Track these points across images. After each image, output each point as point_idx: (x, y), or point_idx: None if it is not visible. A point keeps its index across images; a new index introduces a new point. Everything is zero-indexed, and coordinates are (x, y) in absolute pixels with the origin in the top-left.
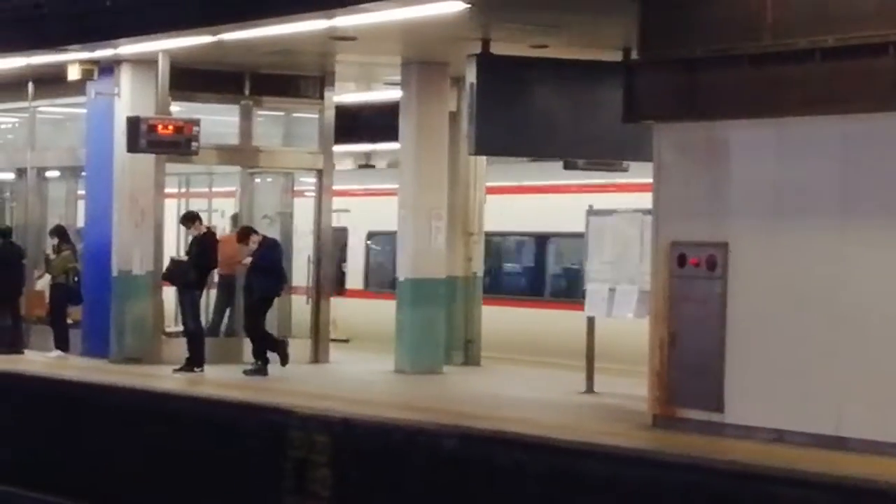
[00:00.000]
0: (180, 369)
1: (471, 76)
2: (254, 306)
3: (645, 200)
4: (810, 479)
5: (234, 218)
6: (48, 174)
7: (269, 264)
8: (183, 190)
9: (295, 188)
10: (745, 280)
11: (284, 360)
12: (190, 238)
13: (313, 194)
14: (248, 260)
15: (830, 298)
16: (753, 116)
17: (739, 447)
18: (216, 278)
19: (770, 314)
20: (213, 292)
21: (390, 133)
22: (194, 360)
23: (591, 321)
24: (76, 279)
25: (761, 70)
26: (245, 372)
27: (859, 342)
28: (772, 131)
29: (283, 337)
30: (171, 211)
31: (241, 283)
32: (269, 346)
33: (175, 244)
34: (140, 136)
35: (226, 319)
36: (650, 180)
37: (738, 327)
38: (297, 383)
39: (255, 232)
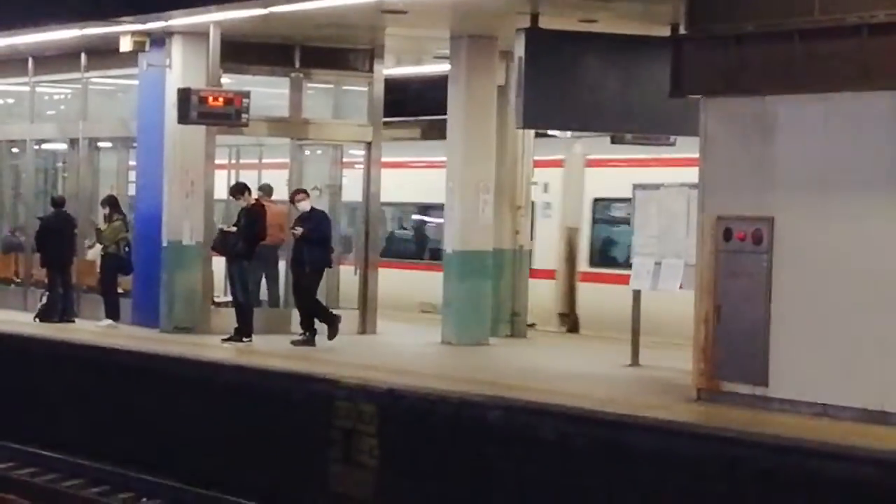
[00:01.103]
0: (229, 339)
1: (519, 50)
2: (307, 278)
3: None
4: (855, 454)
5: (265, 188)
6: (100, 145)
7: (321, 236)
8: (233, 161)
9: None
10: (790, 254)
11: (333, 334)
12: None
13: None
14: (299, 231)
15: (876, 273)
16: (801, 91)
17: (784, 421)
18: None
19: (815, 288)
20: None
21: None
22: (243, 331)
23: (636, 294)
24: (127, 249)
25: (810, 45)
26: (293, 342)
27: None
28: (819, 106)
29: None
30: (221, 182)
31: (288, 255)
32: (325, 318)
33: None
34: (191, 107)
35: (263, 289)
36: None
37: (784, 301)
38: (344, 354)
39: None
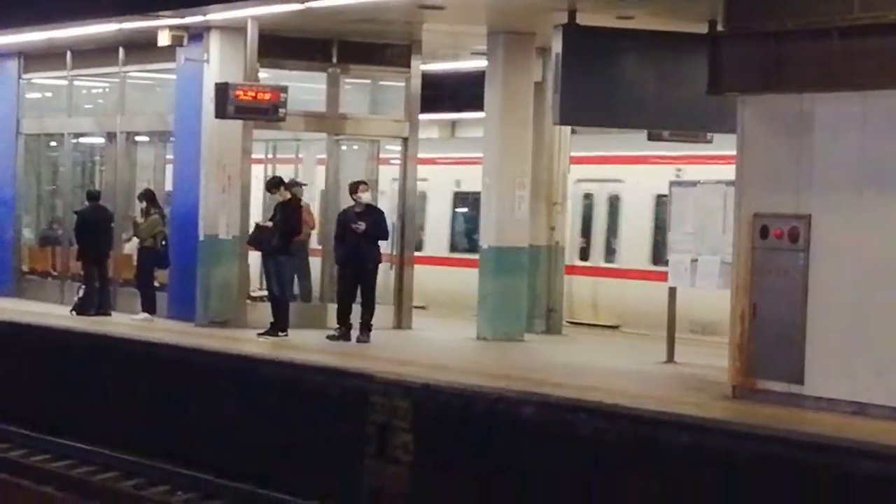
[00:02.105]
0: (264, 333)
1: (557, 46)
2: (374, 275)
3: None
4: (891, 453)
5: (292, 184)
6: (137, 139)
7: (383, 234)
8: (269, 156)
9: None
10: (827, 253)
11: (336, 337)
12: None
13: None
14: (363, 226)
15: None
16: (840, 89)
17: (819, 419)
18: None
19: (852, 287)
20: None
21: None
22: (278, 325)
23: (672, 291)
24: (163, 243)
25: (849, 43)
26: (328, 337)
27: None
28: (858, 104)
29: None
30: (258, 176)
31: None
32: (342, 319)
33: (260, 210)
34: (228, 102)
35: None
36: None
37: (820, 300)
38: (379, 349)
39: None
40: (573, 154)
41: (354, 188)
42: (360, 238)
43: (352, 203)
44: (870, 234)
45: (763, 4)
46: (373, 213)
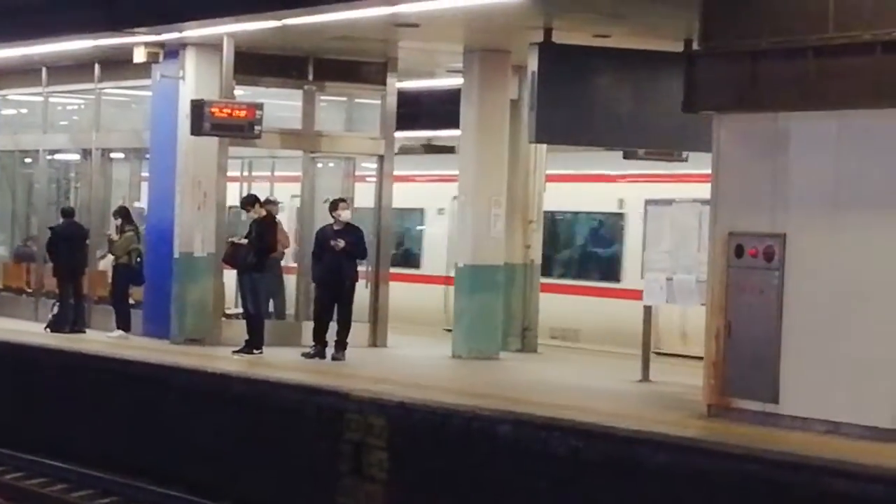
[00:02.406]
0: (239, 351)
1: (532, 64)
2: (352, 293)
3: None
4: (865, 472)
5: (268, 202)
6: (112, 156)
7: (362, 252)
8: (245, 173)
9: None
10: (802, 272)
11: (311, 355)
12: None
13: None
14: (342, 244)
15: (888, 291)
16: (815, 108)
17: (794, 438)
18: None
19: (827, 306)
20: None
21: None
22: (253, 343)
23: (647, 310)
24: (138, 260)
25: (824, 62)
26: (304, 355)
27: None
28: (833, 123)
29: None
30: (233, 194)
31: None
32: (317, 336)
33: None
34: (204, 119)
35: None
36: None
37: (795, 318)
38: (354, 367)
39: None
40: None
41: (335, 206)
42: (339, 256)
43: (329, 221)
44: (845, 254)
45: (739, 23)
46: (352, 232)
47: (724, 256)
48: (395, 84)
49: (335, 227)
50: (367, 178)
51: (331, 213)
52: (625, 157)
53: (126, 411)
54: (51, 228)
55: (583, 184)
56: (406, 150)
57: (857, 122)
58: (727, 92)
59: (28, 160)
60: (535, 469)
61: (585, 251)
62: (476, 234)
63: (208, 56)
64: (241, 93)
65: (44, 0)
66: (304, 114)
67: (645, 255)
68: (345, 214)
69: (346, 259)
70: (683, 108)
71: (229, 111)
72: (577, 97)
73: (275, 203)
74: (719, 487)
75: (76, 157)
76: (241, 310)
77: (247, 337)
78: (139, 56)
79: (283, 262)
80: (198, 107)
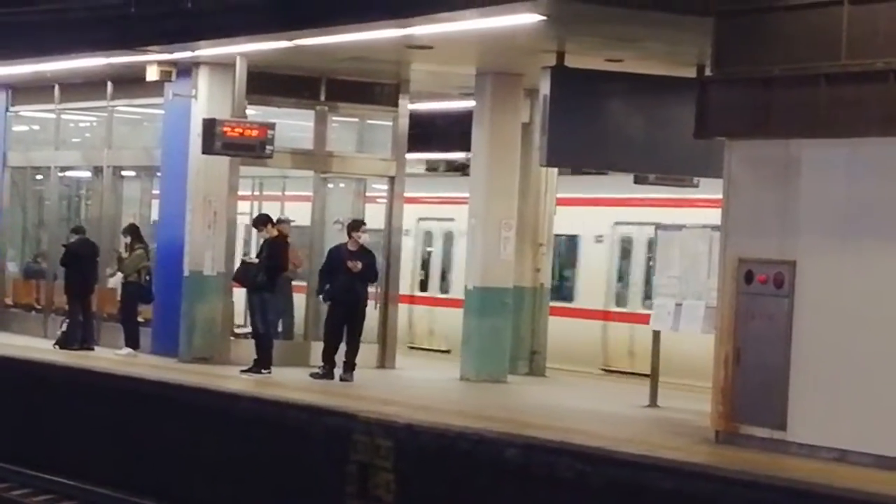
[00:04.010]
0: (248, 370)
1: (545, 88)
2: (363, 314)
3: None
4: (872, 500)
5: (279, 221)
6: (124, 173)
7: (375, 277)
8: (256, 193)
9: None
10: (812, 299)
11: (319, 375)
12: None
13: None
14: (359, 266)
15: None
16: (827, 136)
17: (801, 465)
18: None
19: (836, 334)
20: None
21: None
22: (262, 362)
23: (656, 335)
24: (148, 278)
25: (836, 89)
26: (312, 375)
27: None
28: (844, 151)
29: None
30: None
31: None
32: (326, 357)
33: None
34: (215, 138)
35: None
36: None
37: (804, 346)
38: (362, 388)
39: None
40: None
41: (356, 226)
42: (353, 277)
43: (344, 240)
44: (854, 281)
45: (751, 50)
46: (367, 255)
47: (734, 283)
48: (407, 106)
49: (350, 248)
50: (378, 199)
51: (349, 234)
52: (636, 182)
53: (133, 429)
54: (65, 245)
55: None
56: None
57: (867, 149)
58: (739, 118)
59: (39, 177)
60: (541, 493)
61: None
62: (486, 256)
63: (221, 75)
64: (253, 112)
65: (58, 17)
66: (315, 134)
67: (654, 280)
68: (364, 238)
69: (359, 281)
70: (695, 134)
71: (241, 130)
72: (589, 121)
73: (287, 222)
74: None
75: (87, 174)
76: (250, 329)
77: (255, 356)
78: (152, 74)
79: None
80: (210, 126)
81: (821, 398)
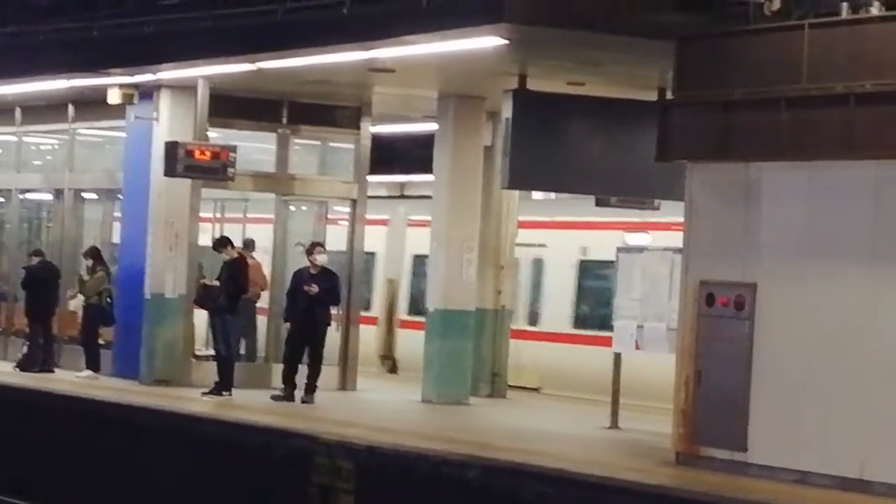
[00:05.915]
0: (209, 392)
1: (507, 111)
2: (323, 337)
3: None
4: None
5: (247, 243)
6: (85, 196)
7: (335, 300)
8: (218, 215)
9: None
10: (772, 321)
11: (280, 398)
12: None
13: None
14: (315, 289)
15: (857, 342)
16: (788, 159)
17: (762, 487)
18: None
19: (797, 356)
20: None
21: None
22: (223, 384)
23: (617, 357)
24: (109, 300)
25: (797, 113)
26: (273, 397)
27: (886, 386)
28: (804, 174)
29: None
30: (205, 235)
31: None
32: (287, 379)
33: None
34: (177, 160)
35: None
36: None
37: (765, 368)
38: (323, 410)
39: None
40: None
41: (311, 249)
42: (313, 299)
43: (306, 263)
44: (814, 304)
45: (712, 73)
46: (328, 278)
47: (695, 305)
48: (369, 128)
49: (311, 271)
50: (340, 222)
51: (307, 257)
52: (597, 205)
53: (92, 451)
54: (25, 268)
55: None
56: None
57: (827, 172)
58: (700, 141)
59: (1, 199)
60: None
61: None
62: (448, 278)
63: (183, 98)
64: (215, 135)
65: (19, 40)
66: (277, 157)
67: (615, 302)
68: (321, 258)
69: (318, 304)
70: (657, 157)
71: (203, 153)
72: (551, 144)
73: (252, 245)
74: None
75: (49, 196)
76: (212, 351)
77: (217, 379)
78: (114, 97)
79: (257, 304)
80: (171, 148)
81: (781, 420)
